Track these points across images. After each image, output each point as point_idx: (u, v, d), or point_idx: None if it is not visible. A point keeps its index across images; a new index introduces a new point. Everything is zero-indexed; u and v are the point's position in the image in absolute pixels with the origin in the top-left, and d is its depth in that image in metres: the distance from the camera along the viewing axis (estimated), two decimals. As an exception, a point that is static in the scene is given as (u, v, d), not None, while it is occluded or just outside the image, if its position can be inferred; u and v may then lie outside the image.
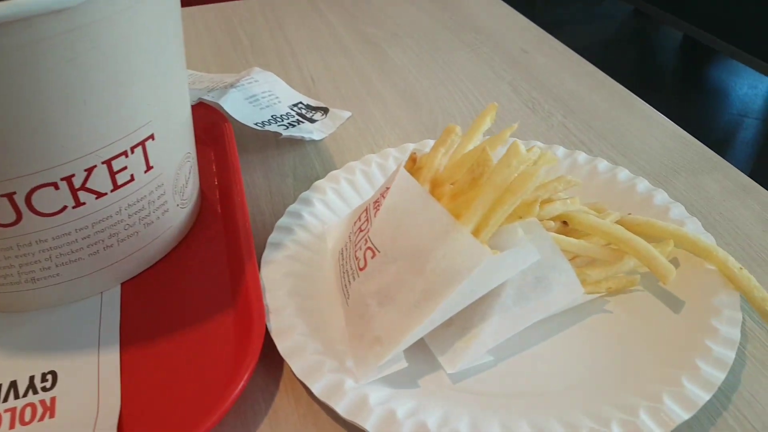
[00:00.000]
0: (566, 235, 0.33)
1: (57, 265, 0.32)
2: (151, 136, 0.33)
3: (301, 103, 0.53)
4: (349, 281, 0.32)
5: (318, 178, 0.45)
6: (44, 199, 0.30)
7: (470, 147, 0.34)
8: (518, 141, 0.28)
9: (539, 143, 0.43)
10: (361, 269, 0.30)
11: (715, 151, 0.47)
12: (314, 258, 0.36)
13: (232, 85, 0.51)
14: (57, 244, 0.32)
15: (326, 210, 0.40)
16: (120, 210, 0.33)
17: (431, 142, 0.45)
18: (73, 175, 0.30)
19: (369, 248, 0.30)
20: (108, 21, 0.28)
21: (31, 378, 0.30)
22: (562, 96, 0.53)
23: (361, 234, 0.32)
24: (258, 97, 0.51)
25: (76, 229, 0.32)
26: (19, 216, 0.30)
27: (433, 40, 0.64)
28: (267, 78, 0.54)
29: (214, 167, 0.45)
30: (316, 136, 0.49)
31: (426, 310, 0.28)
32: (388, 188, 0.32)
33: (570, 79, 0.56)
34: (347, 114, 0.53)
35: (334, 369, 0.29)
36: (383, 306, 0.29)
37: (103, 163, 0.31)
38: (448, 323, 0.29)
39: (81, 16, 0.26)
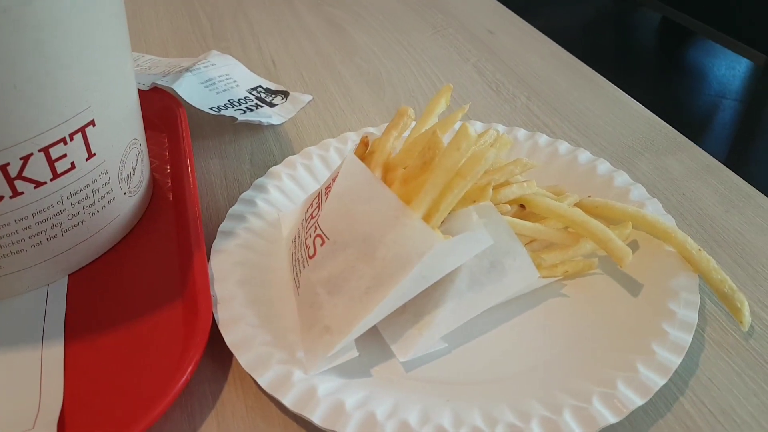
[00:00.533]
0: (523, 219, 0.33)
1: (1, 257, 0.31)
2: (92, 122, 0.31)
3: (260, 86, 0.52)
4: (300, 270, 0.31)
5: (276, 163, 0.44)
6: (-26, 189, 0.28)
7: (424, 130, 0.33)
8: (467, 123, 0.27)
9: (500, 126, 0.42)
10: (310, 257, 0.30)
11: (693, 132, 0.46)
12: (268, 246, 0.35)
13: (187, 69, 0.49)
14: (-7, 236, 0.30)
15: (282, 197, 0.39)
16: (62, 199, 0.32)
17: (392, 126, 0.44)
18: (8, 164, 0.28)
19: (318, 235, 0.29)
20: (29, 3, 0.26)
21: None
22: (527, 77, 0.53)
23: (312, 221, 0.31)
24: (214, 81, 0.50)
25: (15, 220, 0.30)
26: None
27: (398, 21, 0.63)
28: (225, 61, 0.53)
29: (167, 153, 0.43)
30: (274, 121, 0.47)
31: (376, 298, 0.27)
32: (338, 173, 0.31)
33: (536, 60, 0.55)
34: (308, 98, 0.51)
35: (283, 360, 0.28)
36: (333, 295, 0.28)
37: (39, 150, 0.29)
38: (401, 310, 0.29)
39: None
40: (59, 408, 0.27)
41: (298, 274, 0.31)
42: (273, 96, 0.51)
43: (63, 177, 0.31)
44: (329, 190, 0.31)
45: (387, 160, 0.31)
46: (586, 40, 2.00)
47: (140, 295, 0.33)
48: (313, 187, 0.40)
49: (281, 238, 0.36)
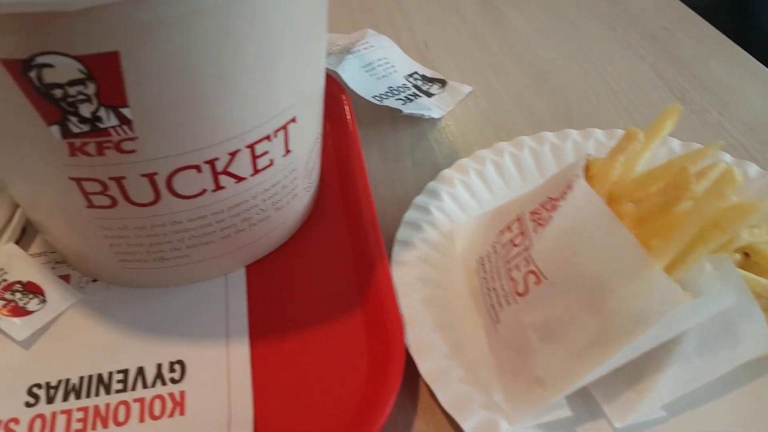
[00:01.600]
0: (746, 270, 0.29)
1: (187, 247, 0.31)
2: (293, 119, 0.30)
3: (416, 73, 0.49)
4: (500, 303, 0.29)
5: (437, 162, 0.42)
6: (185, 182, 0.27)
7: (646, 155, 0.30)
8: (733, 166, 0.24)
9: (726, 155, 0.38)
10: (519, 294, 0.27)
11: None
12: (443, 261, 0.33)
13: (348, 51, 0.47)
14: (191, 227, 0.30)
15: (454, 205, 0.36)
16: (256, 195, 0.31)
17: (573, 133, 0.40)
18: (217, 159, 0.27)
19: (532, 272, 0.27)
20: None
21: (159, 366, 0.29)
22: (713, 87, 0.47)
23: (517, 250, 0.29)
24: (374, 66, 0.47)
25: (211, 213, 0.30)
26: (157, 197, 0.28)
27: (558, 6, 0.58)
28: (382, 42, 0.50)
29: (331, 143, 0.42)
30: (434, 114, 0.45)
31: (601, 355, 0.24)
32: (552, 199, 0.28)
33: (721, 67, 0.49)
34: (467, 89, 0.48)
35: (485, 405, 0.26)
36: (547, 343, 0.26)
37: (247, 147, 0.28)
38: (617, 369, 0.26)
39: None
40: (252, 418, 0.27)
41: (497, 307, 0.29)
42: (430, 84, 0.48)
43: (261, 173, 0.30)
44: (541, 219, 0.28)
45: (611, 190, 0.28)
46: None
47: (320, 296, 0.32)
48: (485, 196, 0.37)
49: (454, 253, 0.34)
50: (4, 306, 0.30)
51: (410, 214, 0.35)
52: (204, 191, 0.28)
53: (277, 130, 0.29)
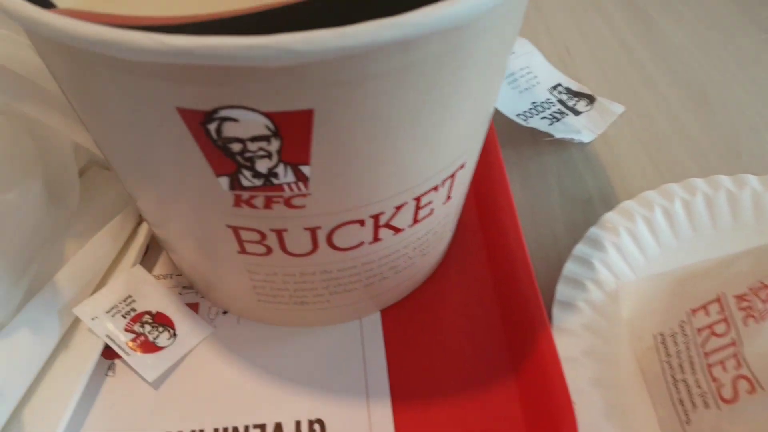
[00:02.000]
0: None
1: (330, 293, 0.28)
2: (462, 165, 0.26)
3: (560, 85, 0.44)
4: (694, 403, 0.24)
5: (590, 197, 0.37)
6: (346, 235, 0.24)
7: None
8: None
9: None
10: (725, 400, 0.23)
11: None
12: (609, 330, 0.29)
13: (489, 56, 0.42)
14: (338, 276, 0.27)
15: (619, 259, 0.32)
16: (408, 244, 0.27)
17: (752, 180, 0.35)
18: (382, 213, 0.24)
19: (744, 377, 0.23)
20: (479, 37, 0.20)
21: (298, 424, 0.27)
22: None
23: (720, 342, 0.24)
24: (516, 77, 0.43)
25: (362, 263, 0.27)
26: (315, 248, 0.25)
27: (716, 16, 0.51)
28: (523, 48, 0.45)
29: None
30: (585, 138, 0.40)
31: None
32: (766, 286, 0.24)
33: None
34: (619, 108, 0.43)
35: None
36: (765, 469, 0.22)
37: (414, 199, 0.25)
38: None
39: (459, 35, 0.19)
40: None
41: (688, 405, 0.25)
42: (576, 100, 0.43)
43: (420, 223, 0.27)
44: (753, 311, 0.24)
45: None
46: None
47: (464, 353, 0.29)
48: (655, 251, 0.33)
49: (619, 318, 0.30)
50: (134, 340, 0.28)
51: (570, 268, 0.31)
52: (361, 243, 0.25)
53: (446, 179, 0.25)
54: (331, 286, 0.27)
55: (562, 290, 0.30)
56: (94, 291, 0.30)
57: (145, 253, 0.33)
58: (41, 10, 0.15)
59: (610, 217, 0.33)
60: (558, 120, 0.41)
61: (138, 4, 0.16)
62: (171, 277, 0.32)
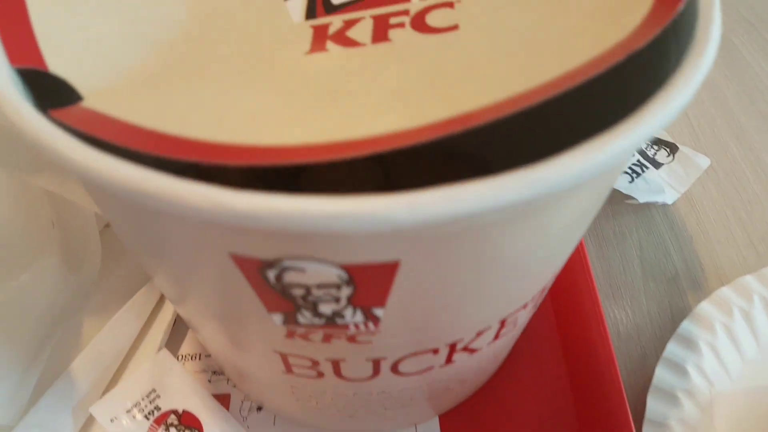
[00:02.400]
0: None
1: (385, 409, 0.24)
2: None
3: (637, 129, 0.39)
4: None
5: (676, 273, 0.32)
6: (415, 363, 0.20)
7: None
8: None
9: None
10: None
11: None
12: (708, 452, 0.25)
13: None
14: (398, 395, 0.23)
15: (715, 362, 0.28)
16: (482, 359, 0.23)
17: None
18: (461, 339, 0.20)
19: None
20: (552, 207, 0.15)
21: None
22: None
23: None
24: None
25: (428, 383, 0.23)
26: (375, 374, 0.21)
27: (813, 44, 0.45)
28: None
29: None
30: (668, 199, 0.35)
31: None
32: None
33: None
34: (705, 161, 0.38)
35: None
36: None
37: (498, 322, 0.20)
38: None
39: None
40: None
41: None
42: (656, 149, 0.38)
43: (499, 339, 0.22)
44: None
45: None
46: None
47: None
48: (752, 352, 0.28)
49: (716, 433, 0.26)
50: (158, 445, 0.25)
51: (661, 375, 0.27)
52: (431, 368, 0.21)
53: (535, 295, 0.21)
54: (387, 403, 0.23)
55: (653, 406, 0.26)
56: (114, 376, 0.27)
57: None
58: (94, 154, 0.11)
59: (705, 308, 0.29)
60: (639, 175, 0.36)
61: (182, 96, 0.12)
62: (199, 358, 0.28)
